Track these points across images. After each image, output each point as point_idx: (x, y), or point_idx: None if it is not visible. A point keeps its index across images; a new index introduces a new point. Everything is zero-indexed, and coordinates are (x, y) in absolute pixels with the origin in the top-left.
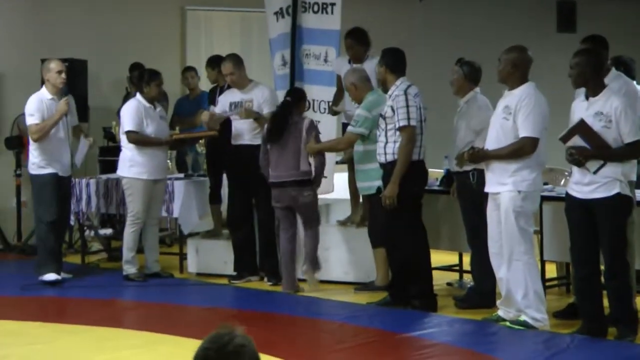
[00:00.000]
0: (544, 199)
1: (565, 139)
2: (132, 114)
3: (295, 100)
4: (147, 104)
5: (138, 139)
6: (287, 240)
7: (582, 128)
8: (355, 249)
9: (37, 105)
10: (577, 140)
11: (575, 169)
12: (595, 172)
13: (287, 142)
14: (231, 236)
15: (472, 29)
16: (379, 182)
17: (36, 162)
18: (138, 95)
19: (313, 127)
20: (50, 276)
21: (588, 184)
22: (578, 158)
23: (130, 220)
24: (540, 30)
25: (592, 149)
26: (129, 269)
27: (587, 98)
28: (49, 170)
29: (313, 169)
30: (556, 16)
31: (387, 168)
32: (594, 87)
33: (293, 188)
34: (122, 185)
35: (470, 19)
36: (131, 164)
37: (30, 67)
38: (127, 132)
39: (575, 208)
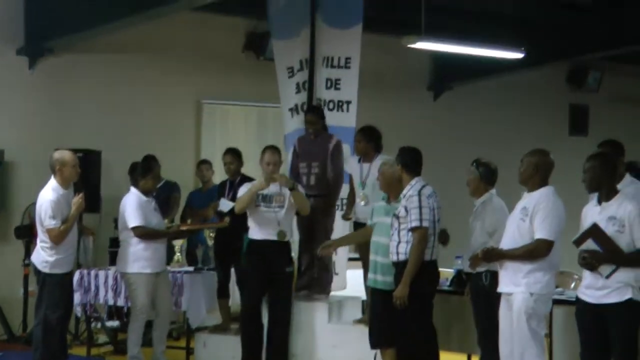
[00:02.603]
0: (554, 302)
1: (578, 242)
2: (135, 208)
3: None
4: (145, 197)
5: (146, 232)
6: None
7: (595, 232)
8: (365, 347)
9: (57, 206)
10: (590, 244)
11: (587, 273)
12: (607, 277)
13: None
14: (242, 330)
15: (486, 130)
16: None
17: (50, 261)
18: (133, 189)
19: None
20: None
21: (600, 289)
22: (591, 262)
23: (135, 314)
24: (553, 132)
25: (605, 253)
26: None
27: (599, 202)
28: (63, 270)
29: None
30: (569, 119)
31: (399, 267)
32: (607, 192)
33: None
34: (126, 281)
35: (484, 120)
36: (134, 258)
37: (43, 156)
38: (135, 228)
39: (586, 312)
